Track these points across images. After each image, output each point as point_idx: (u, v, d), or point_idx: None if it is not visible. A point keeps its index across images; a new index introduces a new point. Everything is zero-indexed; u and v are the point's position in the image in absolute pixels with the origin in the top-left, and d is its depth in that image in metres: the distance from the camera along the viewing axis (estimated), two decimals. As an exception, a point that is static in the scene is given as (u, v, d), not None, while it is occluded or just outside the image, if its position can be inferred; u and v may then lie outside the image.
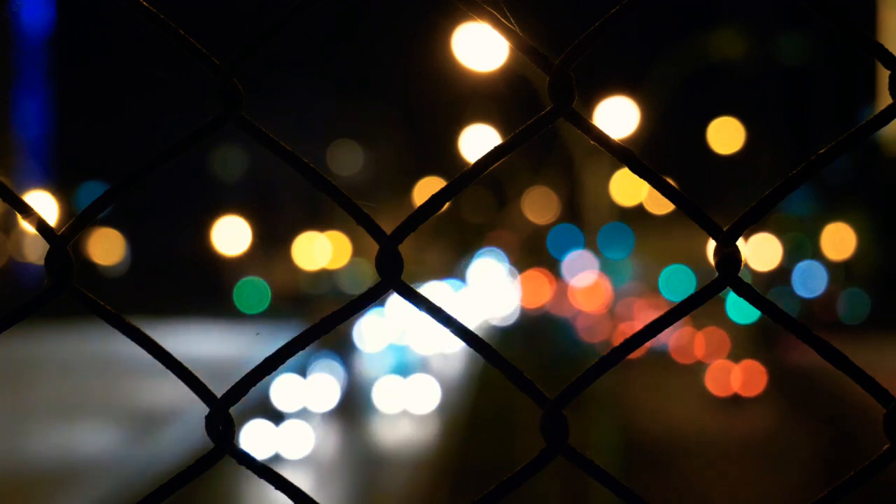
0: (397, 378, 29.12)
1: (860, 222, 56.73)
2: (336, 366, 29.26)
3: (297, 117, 61.32)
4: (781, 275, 54.45)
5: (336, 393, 28.45)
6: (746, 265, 1.63)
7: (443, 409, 28.78)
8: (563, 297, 56.02)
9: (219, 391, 1.57)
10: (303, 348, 1.53)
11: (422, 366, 34.26)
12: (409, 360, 35.19)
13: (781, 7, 55.13)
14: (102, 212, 1.56)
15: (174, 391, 29.92)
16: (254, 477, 1.55)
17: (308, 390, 27.25)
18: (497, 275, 59.49)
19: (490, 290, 56.55)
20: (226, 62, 1.50)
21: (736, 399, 33.50)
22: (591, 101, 18.69)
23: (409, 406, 28.49)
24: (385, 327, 39.24)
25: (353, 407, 28.99)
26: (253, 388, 1.57)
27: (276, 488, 1.54)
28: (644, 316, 47.45)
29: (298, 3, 1.48)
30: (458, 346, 39.08)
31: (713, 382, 34.69)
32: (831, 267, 56.85)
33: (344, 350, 36.46)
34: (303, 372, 27.39)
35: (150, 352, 1.55)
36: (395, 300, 38.25)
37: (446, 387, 30.32)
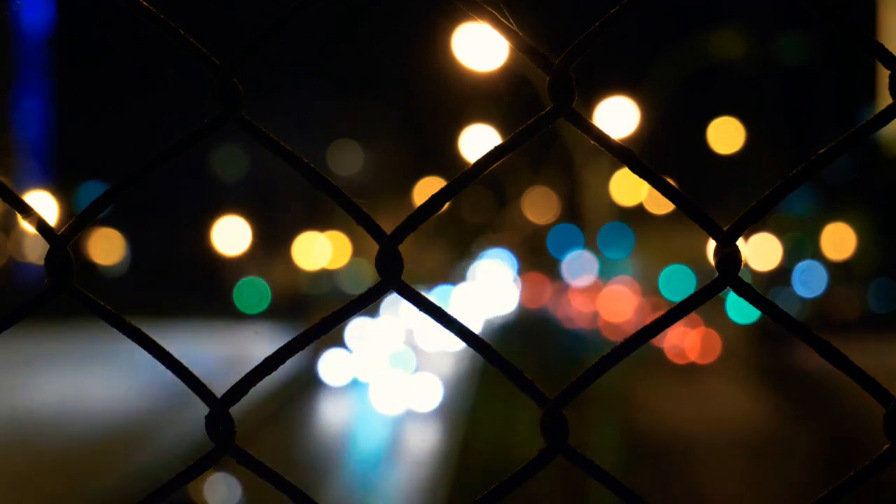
0: None
1: (860, 222, 56.70)
2: None
3: (297, 117, 61.28)
4: (781, 275, 54.44)
5: None
6: (746, 265, 1.63)
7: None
8: (563, 296, 56.14)
9: (219, 391, 1.57)
10: (303, 348, 1.53)
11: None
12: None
13: (781, 7, 55.10)
14: (102, 212, 1.56)
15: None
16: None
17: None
18: (497, 274, 59.51)
19: (490, 289, 56.54)
20: (226, 62, 1.50)
21: (692, 367, 36.15)
22: (591, 101, 18.70)
23: None
24: (351, 365, 34.85)
25: None
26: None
27: (277, 488, 1.54)
28: (624, 298, 47.80)
29: (298, 3, 1.48)
30: (433, 403, 31.26)
31: (671, 351, 37.45)
32: (831, 267, 56.83)
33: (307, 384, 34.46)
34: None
35: (150, 352, 1.55)
36: (361, 344, 36.78)
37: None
